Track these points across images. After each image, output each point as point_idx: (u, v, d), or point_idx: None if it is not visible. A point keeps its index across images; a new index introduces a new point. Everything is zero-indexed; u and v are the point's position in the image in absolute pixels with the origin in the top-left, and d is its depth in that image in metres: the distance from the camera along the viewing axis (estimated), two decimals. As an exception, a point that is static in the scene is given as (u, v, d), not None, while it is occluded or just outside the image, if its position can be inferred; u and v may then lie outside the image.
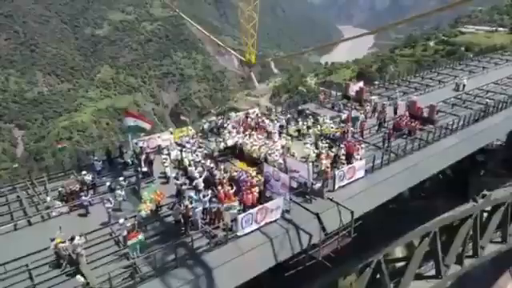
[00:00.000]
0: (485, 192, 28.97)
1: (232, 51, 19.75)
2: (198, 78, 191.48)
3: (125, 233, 12.86)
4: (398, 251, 35.05)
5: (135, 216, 13.99)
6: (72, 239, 12.02)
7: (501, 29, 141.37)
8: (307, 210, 15.44)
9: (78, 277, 11.19)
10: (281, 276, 16.86)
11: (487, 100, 25.76)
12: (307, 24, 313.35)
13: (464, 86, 29.19)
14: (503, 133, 24.73)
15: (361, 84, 27.63)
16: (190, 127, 21.46)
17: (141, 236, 12.49)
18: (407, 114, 22.92)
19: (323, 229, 14.91)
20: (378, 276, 24.94)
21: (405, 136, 21.21)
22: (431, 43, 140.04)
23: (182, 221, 14.08)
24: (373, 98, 26.58)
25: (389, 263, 28.19)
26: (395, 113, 24.08)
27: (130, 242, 12.22)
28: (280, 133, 21.16)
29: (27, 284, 11.64)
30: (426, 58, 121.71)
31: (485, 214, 33.07)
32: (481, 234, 31.04)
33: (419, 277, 27.22)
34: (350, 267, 20.61)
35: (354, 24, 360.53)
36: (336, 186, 16.65)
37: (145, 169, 17.55)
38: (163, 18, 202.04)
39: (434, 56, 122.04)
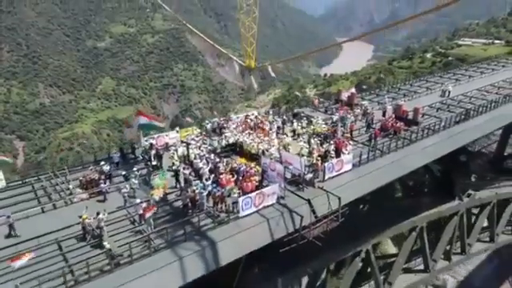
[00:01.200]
0: (470, 191, 31.08)
1: (233, 57, 21.99)
2: (198, 89, 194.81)
3: (141, 211, 15.03)
4: (390, 249, 36.93)
5: (149, 200, 16.09)
6: (97, 214, 14.18)
7: (497, 41, 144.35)
8: (300, 196, 17.57)
9: (105, 243, 13.31)
10: (276, 257, 19.01)
11: (469, 104, 28.09)
12: (306, 37, 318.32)
13: (449, 92, 31.53)
14: (482, 134, 26.85)
15: (352, 90, 29.99)
16: (194, 127, 23.78)
17: (155, 208, 14.72)
18: (393, 115, 25.20)
19: (313, 212, 17.00)
20: (369, 270, 27.05)
21: (390, 135, 23.43)
22: (428, 55, 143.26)
23: (190, 204, 16.23)
24: (364, 102, 28.89)
25: (379, 259, 30.19)
26: (384, 115, 26.32)
27: (147, 215, 14.35)
28: (277, 133, 23.39)
29: (57, 253, 13.74)
30: (423, 69, 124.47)
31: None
32: (468, 233, 33.06)
33: (408, 270, 29.13)
34: (341, 254, 22.56)
35: (353, 37, 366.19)
36: (326, 177, 18.80)
37: (154, 162, 19.75)
38: (164, 31, 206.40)
39: (431, 68, 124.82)
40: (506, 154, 51.18)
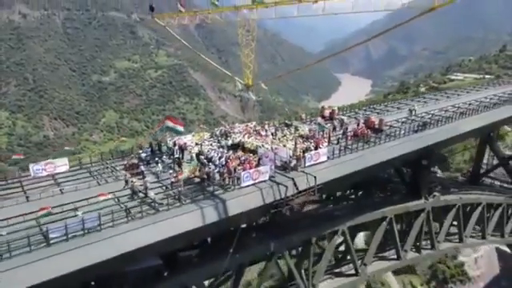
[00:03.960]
0: (435, 193, 37.80)
1: (236, 78, 29.34)
2: (199, 122, 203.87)
3: (173, 179, 21.96)
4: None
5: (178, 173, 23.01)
6: (144, 177, 21.14)
7: (487, 76, 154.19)
8: (286, 176, 24.44)
9: (151, 194, 20.17)
10: (271, 228, 25.67)
11: (428, 120, 35.48)
12: (305, 72, 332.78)
13: (415, 110, 38.96)
14: (435, 140, 33.70)
15: (334, 108, 37.56)
16: (205, 132, 31.08)
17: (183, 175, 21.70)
18: (363, 125, 32.46)
19: (295, 186, 23.80)
20: (348, 257, 33.28)
21: (360, 139, 30.54)
22: (422, 89, 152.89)
23: (206, 178, 23.12)
24: (343, 117, 36.29)
25: (357, 252, 36.33)
26: (358, 126, 33.56)
27: (180, 177, 21.29)
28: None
29: (115, 203, 20.47)
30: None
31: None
32: (437, 231, 39.44)
33: (383, 258, 35.31)
34: (322, 230, 29.01)
35: (351, 72, 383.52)
36: (306, 164, 25.72)
37: (177, 155, 26.79)
38: (167, 66, 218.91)
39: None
40: (481, 171, 58.22)
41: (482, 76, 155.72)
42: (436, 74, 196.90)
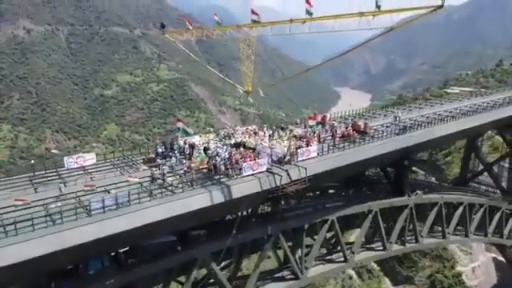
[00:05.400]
0: (418, 191, 42.38)
1: (237, 85, 34.12)
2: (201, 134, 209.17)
3: (185, 168, 26.66)
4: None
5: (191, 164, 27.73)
6: (161, 166, 25.87)
7: (483, 90, 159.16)
8: (281, 168, 29.12)
9: (169, 179, 24.86)
10: (269, 215, 30.20)
11: (409, 124, 40.32)
12: (305, 86, 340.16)
13: (399, 117, 43.84)
14: (414, 142, 38.36)
15: (326, 114, 42.53)
16: (211, 133, 35.93)
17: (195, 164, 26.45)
18: (351, 128, 37.29)
19: (289, 176, 28.44)
20: (339, 247, 37.67)
21: (347, 140, 35.30)
22: (418, 102, 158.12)
23: (213, 169, 27.81)
24: (333, 122, 41.18)
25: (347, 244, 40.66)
26: (346, 129, 38.37)
27: (193, 165, 26.00)
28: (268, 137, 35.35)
29: (137, 186, 25.09)
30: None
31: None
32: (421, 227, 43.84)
33: (370, 249, 39.69)
34: (313, 219, 33.53)
35: (351, 86, 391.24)
36: (299, 159, 30.42)
37: (187, 152, 31.53)
38: (169, 80, 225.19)
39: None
40: (467, 177, 62.80)
41: (478, 89, 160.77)
42: (434, 88, 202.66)
